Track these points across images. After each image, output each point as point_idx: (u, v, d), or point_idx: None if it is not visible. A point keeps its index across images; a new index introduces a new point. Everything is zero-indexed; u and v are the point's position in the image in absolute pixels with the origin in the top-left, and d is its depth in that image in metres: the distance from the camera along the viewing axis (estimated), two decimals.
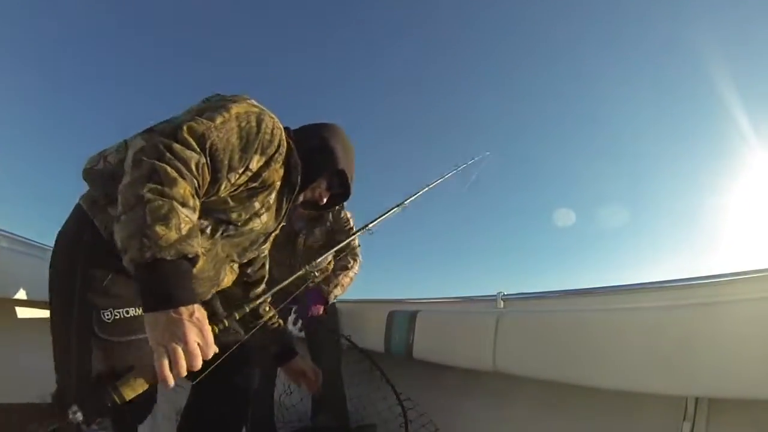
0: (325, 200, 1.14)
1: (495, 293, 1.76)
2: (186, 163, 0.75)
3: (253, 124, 0.88)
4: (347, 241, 1.69)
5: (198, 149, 0.78)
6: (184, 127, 0.77)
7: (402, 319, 1.92)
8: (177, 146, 0.75)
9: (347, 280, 2.02)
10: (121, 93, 6.85)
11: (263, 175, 0.93)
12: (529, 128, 7.94)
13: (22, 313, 1.69)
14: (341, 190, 1.16)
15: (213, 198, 0.88)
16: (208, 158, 0.80)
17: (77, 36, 5.75)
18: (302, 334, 1.98)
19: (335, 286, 1.97)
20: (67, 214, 0.94)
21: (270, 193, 0.99)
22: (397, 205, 1.47)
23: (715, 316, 1.04)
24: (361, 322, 2.22)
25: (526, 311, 1.69)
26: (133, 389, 0.69)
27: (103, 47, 6.16)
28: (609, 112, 7.66)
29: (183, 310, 0.68)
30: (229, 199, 0.92)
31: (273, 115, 0.95)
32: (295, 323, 1.91)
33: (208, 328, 0.72)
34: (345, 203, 1.90)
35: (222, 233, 0.94)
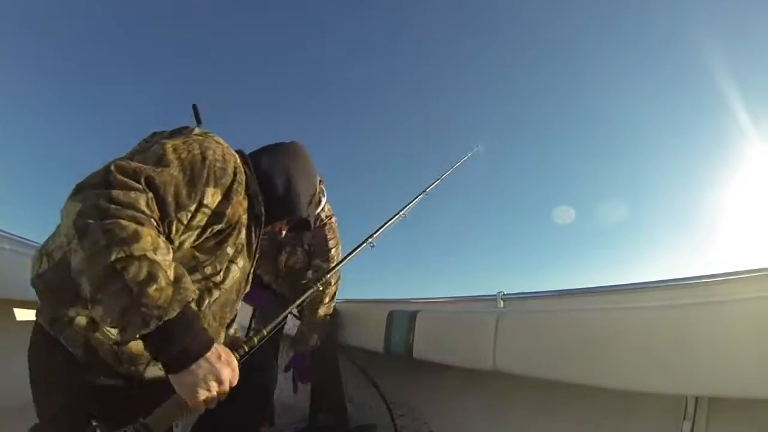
0: (284, 233, 1.10)
1: (495, 293, 1.76)
2: (135, 207, 0.67)
3: (196, 152, 0.79)
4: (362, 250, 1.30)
5: (139, 186, 0.69)
6: (112, 168, 0.68)
7: (402, 319, 1.92)
8: (117, 192, 0.66)
9: (322, 313, 1.88)
10: (120, 94, 6.84)
11: (227, 212, 0.83)
12: (527, 125, 7.95)
13: (21, 315, 1.69)
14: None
15: (177, 255, 0.78)
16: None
17: (77, 37, 5.74)
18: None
19: (312, 332, 1.85)
20: None
21: (240, 232, 0.89)
22: (396, 214, 1.46)
23: (717, 315, 1.04)
24: (361, 322, 2.22)
25: (526, 311, 1.69)
26: (162, 426, 0.67)
27: (103, 48, 6.17)
28: (608, 108, 7.65)
29: (210, 356, 0.68)
30: (197, 253, 0.82)
31: (221, 141, 0.88)
32: (295, 390, 1.85)
33: (234, 361, 0.73)
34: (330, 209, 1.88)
35: (209, 302, 0.86)
